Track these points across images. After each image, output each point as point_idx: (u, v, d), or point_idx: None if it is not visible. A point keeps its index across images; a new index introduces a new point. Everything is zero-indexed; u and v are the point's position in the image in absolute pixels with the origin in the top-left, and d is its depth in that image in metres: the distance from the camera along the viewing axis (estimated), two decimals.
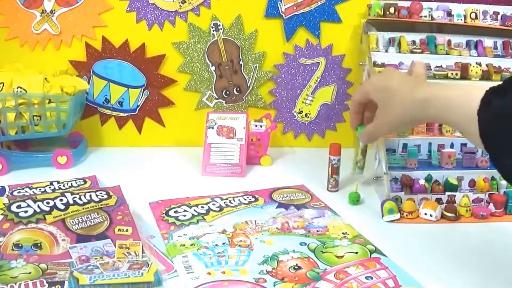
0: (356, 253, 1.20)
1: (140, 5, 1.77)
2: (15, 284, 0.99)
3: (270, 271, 1.12)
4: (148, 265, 1.07)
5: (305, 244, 1.23)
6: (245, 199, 1.47)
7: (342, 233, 1.29)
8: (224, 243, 1.22)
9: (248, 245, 1.22)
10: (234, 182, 1.59)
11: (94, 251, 1.13)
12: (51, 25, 1.76)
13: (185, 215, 1.35)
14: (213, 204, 1.42)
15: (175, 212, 1.37)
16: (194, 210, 1.39)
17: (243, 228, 1.30)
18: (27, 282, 1.00)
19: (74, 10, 1.76)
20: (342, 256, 1.19)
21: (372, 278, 1.10)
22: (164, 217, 1.34)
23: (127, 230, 1.21)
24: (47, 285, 1.00)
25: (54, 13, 1.76)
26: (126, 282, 1.01)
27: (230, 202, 1.44)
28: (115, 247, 1.14)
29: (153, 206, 1.40)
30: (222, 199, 1.46)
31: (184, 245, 1.21)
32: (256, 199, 1.47)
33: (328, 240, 1.25)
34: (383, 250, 1.21)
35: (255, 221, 1.34)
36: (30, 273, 1.04)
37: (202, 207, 1.40)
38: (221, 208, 1.40)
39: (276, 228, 1.31)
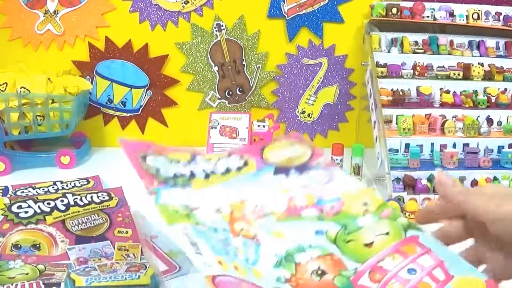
0: (387, 233, 0.92)
1: (143, 6, 1.75)
2: (12, 285, 0.98)
3: (289, 279, 0.88)
4: (146, 267, 1.05)
5: (322, 233, 0.94)
6: (234, 164, 1.08)
7: (363, 204, 0.98)
8: (224, 229, 0.95)
9: (253, 237, 0.95)
10: None
11: (93, 252, 1.12)
12: (55, 25, 1.75)
13: (166, 171, 1.02)
14: (195, 165, 1.06)
15: (153, 161, 1.03)
16: (175, 168, 1.04)
17: (241, 210, 0.99)
18: (24, 283, 0.98)
19: (77, 11, 1.75)
20: (372, 243, 0.91)
21: (415, 271, 0.86)
22: (143, 164, 1.01)
23: (127, 232, 1.20)
24: (43, 286, 0.98)
25: (58, 13, 1.74)
26: (122, 284, 0.99)
27: (216, 166, 1.06)
28: (114, 249, 1.12)
29: (126, 146, 1.04)
30: (205, 161, 1.07)
31: (177, 212, 0.96)
32: (246, 163, 1.09)
33: (348, 221, 0.95)
34: None
35: (254, 199, 1.01)
36: (27, 274, 1.02)
37: (185, 165, 1.05)
38: (207, 175, 1.05)
39: (282, 211, 0.98)
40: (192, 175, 1.03)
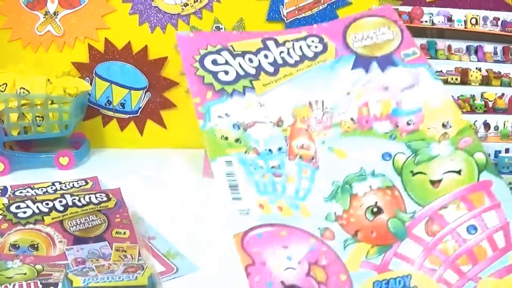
0: (459, 172, 0.86)
1: (143, 8, 1.75)
2: (10, 284, 0.97)
3: (340, 216, 0.83)
4: (143, 268, 1.05)
5: (390, 156, 0.88)
6: (309, 47, 1.01)
7: (443, 124, 0.91)
8: (280, 149, 0.89)
9: (312, 158, 0.89)
10: None
11: (91, 253, 1.12)
12: (54, 27, 1.75)
13: (227, 72, 0.94)
14: (265, 56, 0.98)
15: (213, 62, 0.95)
16: (240, 64, 0.96)
17: (306, 118, 0.92)
18: (22, 283, 0.98)
19: (77, 12, 1.75)
20: (439, 182, 0.86)
21: (476, 229, 0.81)
22: (198, 69, 0.94)
23: (124, 233, 1.20)
24: (41, 286, 0.98)
25: (58, 14, 1.74)
26: (119, 285, 0.99)
27: (289, 53, 0.99)
28: (112, 249, 1.13)
29: (183, 42, 0.97)
30: (277, 44, 1.00)
31: (227, 138, 0.88)
32: (325, 48, 1.00)
33: (422, 146, 0.89)
34: None
35: (323, 102, 0.94)
36: (25, 274, 1.02)
37: (250, 59, 0.97)
38: (275, 69, 0.97)
39: (351, 119, 0.92)
40: (258, 72, 0.96)
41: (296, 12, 1.77)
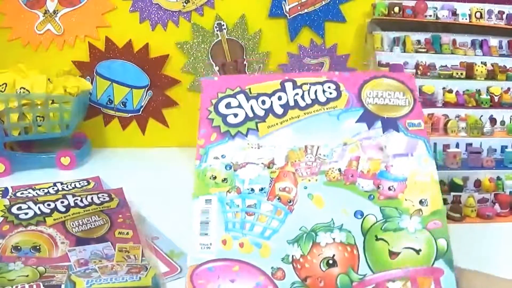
0: (419, 252, 0.90)
1: (144, 5, 1.75)
2: (12, 287, 0.98)
3: (297, 260, 0.89)
4: (147, 269, 1.05)
5: (362, 215, 0.92)
6: (324, 92, 1.06)
7: (421, 200, 0.95)
8: (262, 189, 0.96)
9: (290, 201, 0.95)
10: None
11: (93, 254, 1.12)
12: (54, 25, 1.75)
13: (236, 115, 1.03)
14: (279, 97, 1.05)
15: (227, 106, 1.04)
16: (251, 106, 1.04)
17: (297, 162, 0.98)
18: (24, 285, 0.98)
19: (77, 10, 1.75)
20: (398, 254, 0.90)
21: None
22: (210, 112, 1.03)
23: (127, 233, 1.20)
24: None
25: (57, 13, 1.74)
26: (123, 286, 0.99)
27: (303, 95, 1.05)
28: (114, 250, 1.12)
29: (206, 86, 1.07)
30: (294, 86, 1.06)
31: (215, 177, 0.98)
32: (339, 95, 1.05)
33: (394, 215, 0.93)
34: None
35: (318, 148, 1.00)
36: (27, 276, 1.02)
37: (263, 101, 1.04)
38: (285, 111, 1.03)
39: (338, 170, 0.97)
40: (266, 113, 1.03)
41: (299, 8, 1.76)
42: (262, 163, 0.99)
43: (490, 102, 1.53)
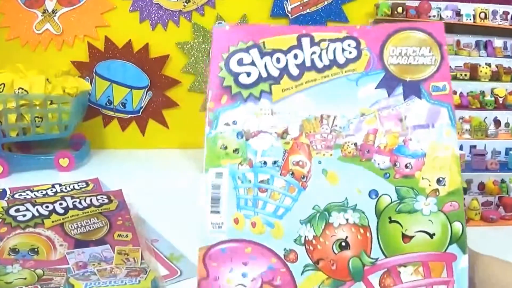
0: (432, 236, 0.88)
1: (144, 5, 1.75)
2: None
3: (310, 241, 0.86)
4: (146, 272, 1.05)
5: (376, 195, 0.89)
6: (344, 51, 0.96)
7: (438, 179, 0.90)
8: (275, 163, 0.91)
9: (303, 177, 0.90)
10: None
11: (92, 257, 1.12)
12: (53, 25, 1.75)
13: (249, 74, 0.94)
14: (295, 55, 0.96)
15: (239, 62, 0.94)
16: (265, 64, 0.95)
17: (312, 133, 0.92)
18: None
19: (76, 10, 1.75)
20: (411, 238, 0.87)
21: None
22: (221, 69, 0.94)
23: (126, 236, 1.19)
24: None
25: (56, 12, 1.74)
26: None
27: (320, 55, 0.96)
28: (114, 253, 1.12)
29: (217, 36, 0.96)
30: (312, 42, 0.96)
31: (226, 147, 0.91)
32: (359, 55, 0.95)
33: (409, 195, 0.90)
34: None
35: (334, 118, 0.93)
36: (25, 278, 1.02)
37: (278, 59, 0.95)
38: (301, 72, 0.94)
39: (354, 145, 0.91)
40: (281, 74, 0.95)
41: (301, 7, 1.76)
42: (276, 132, 0.92)
43: (494, 104, 1.53)
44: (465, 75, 1.56)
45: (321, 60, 0.94)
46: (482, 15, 1.64)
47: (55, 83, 1.64)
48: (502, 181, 1.42)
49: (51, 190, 1.44)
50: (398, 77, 0.94)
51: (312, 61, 0.94)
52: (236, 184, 0.89)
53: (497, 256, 1.16)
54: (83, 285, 1.00)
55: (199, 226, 0.88)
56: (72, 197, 1.31)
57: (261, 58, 0.94)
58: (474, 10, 1.65)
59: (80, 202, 1.30)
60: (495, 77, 1.57)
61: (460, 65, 1.59)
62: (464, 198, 1.32)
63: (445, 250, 0.86)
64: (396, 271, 0.84)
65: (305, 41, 0.95)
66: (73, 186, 1.47)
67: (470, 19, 1.65)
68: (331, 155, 0.90)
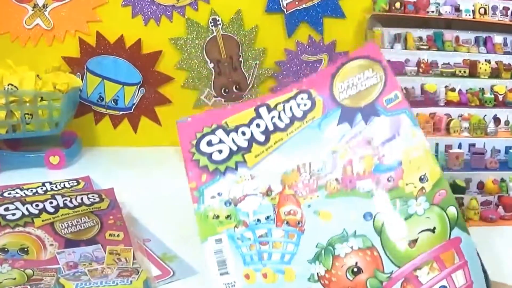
0: (433, 230, 0.95)
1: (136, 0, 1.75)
2: None
3: (323, 276, 0.94)
4: (138, 272, 1.05)
5: (371, 217, 0.96)
6: (299, 105, 1.07)
7: (420, 177, 0.99)
8: (268, 217, 0.99)
9: (298, 223, 0.99)
10: None
11: (83, 257, 1.12)
12: (44, 20, 1.74)
13: (221, 151, 1.04)
14: (257, 125, 1.06)
15: (208, 144, 1.04)
16: (233, 139, 1.05)
17: (294, 184, 1.01)
18: None
19: (68, 5, 1.75)
20: (416, 241, 0.94)
21: None
22: (194, 154, 1.05)
23: (118, 235, 1.19)
24: None
25: (47, 7, 1.74)
26: None
27: (280, 117, 1.06)
28: (105, 253, 1.12)
29: (182, 129, 1.08)
30: (269, 109, 1.06)
31: (218, 216, 1.00)
32: (313, 104, 1.06)
33: (400, 205, 0.97)
34: None
35: (310, 164, 1.02)
36: (15, 279, 1.02)
37: (243, 132, 1.05)
38: (267, 137, 1.04)
39: (336, 181, 1.00)
40: (250, 144, 1.04)
41: (297, 2, 1.76)
42: (260, 193, 1.01)
43: (494, 101, 1.53)
44: (464, 71, 1.56)
45: (281, 120, 1.05)
46: (482, 10, 1.63)
47: (45, 79, 1.63)
48: (502, 180, 1.42)
49: (41, 188, 1.44)
50: (353, 107, 1.04)
51: (274, 124, 1.04)
52: (237, 245, 0.97)
53: (496, 258, 1.17)
54: (73, 285, 1.00)
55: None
56: (63, 196, 1.31)
57: (228, 135, 1.04)
58: (473, 6, 1.64)
59: (70, 201, 1.29)
60: (495, 74, 1.57)
61: (459, 61, 1.59)
62: (462, 198, 1.34)
63: (449, 237, 0.94)
64: (413, 276, 0.90)
65: (263, 110, 1.05)
66: (64, 185, 1.47)
67: (470, 15, 1.65)
68: (317, 196, 0.99)
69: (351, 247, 0.94)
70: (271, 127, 1.05)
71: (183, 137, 1.07)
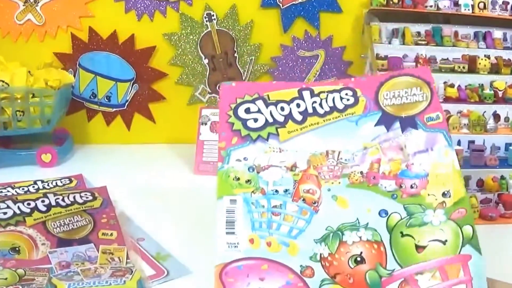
0: (445, 242, 0.97)
1: None
2: None
3: (325, 258, 0.96)
4: (132, 272, 1.04)
5: (386, 214, 0.99)
6: (342, 99, 1.11)
7: (443, 193, 1.01)
8: (286, 190, 1.02)
9: (314, 202, 1.01)
10: None
11: (76, 256, 1.11)
12: (35, 15, 1.74)
13: (256, 120, 1.08)
14: (297, 104, 1.10)
15: (246, 111, 1.09)
16: (271, 112, 1.09)
17: (319, 166, 1.05)
18: None
19: (60, 0, 1.74)
20: (424, 248, 0.96)
21: None
22: (230, 116, 1.08)
23: (111, 235, 1.19)
24: None
25: (38, 2, 1.73)
26: None
27: (321, 103, 1.10)
28: (98, 252, 1.12)
29: (224, 91, 1.12)
30: (312, 94, 1.11)
31: (239, 179, 1.03)
32: (356, 101, 1.10)
33: (418, 211, 0.99)
34: None
35: (339, 153, 1.06)
36: (6, 279, 1.01)
37: (282, 108, 1.09)
38: (304, 117, 1.08)
39: (360, 173, 1.04)
40: (286, 119, 1.09)
41: None
42: (285, 166, 1.04)
43: (493, 97, 1.53)
44: (463, 67, 1.56)
45: (322, 107, 1.09)
46: (481, 5, 1.64)
47: (37, 76, 1.63)
48: (502, 177, 1.42)
49: (33, 186, 1.43)
50: (394, 115, 1.09)
51: (314, 108, 1.09)
52: (250, 209, 1.00)
53: (496, 256, 1.17)
54: (66, 285, 1.00)
55: (216, 246, 0.97)
56: (55, 194, 1.30)
57: (267, 107, 1.08)
58: (472, 0, 1.65)
59: (63, 199, 1.29)
60: (495, 69, 1.57)
61: (458, 57, 1.59)
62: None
63: (459, 252, 0.95)
64: (413, 279, 0.92)
65: (306, 93, 1.10)
66: (56, 183, 1.47)
67: (469, 9, 1.65)
68: (339, 183, 1.02)
69: (360, 237, 0.97)
70: (310, 110, 1.09)
71: (223, 98, 1.11)
